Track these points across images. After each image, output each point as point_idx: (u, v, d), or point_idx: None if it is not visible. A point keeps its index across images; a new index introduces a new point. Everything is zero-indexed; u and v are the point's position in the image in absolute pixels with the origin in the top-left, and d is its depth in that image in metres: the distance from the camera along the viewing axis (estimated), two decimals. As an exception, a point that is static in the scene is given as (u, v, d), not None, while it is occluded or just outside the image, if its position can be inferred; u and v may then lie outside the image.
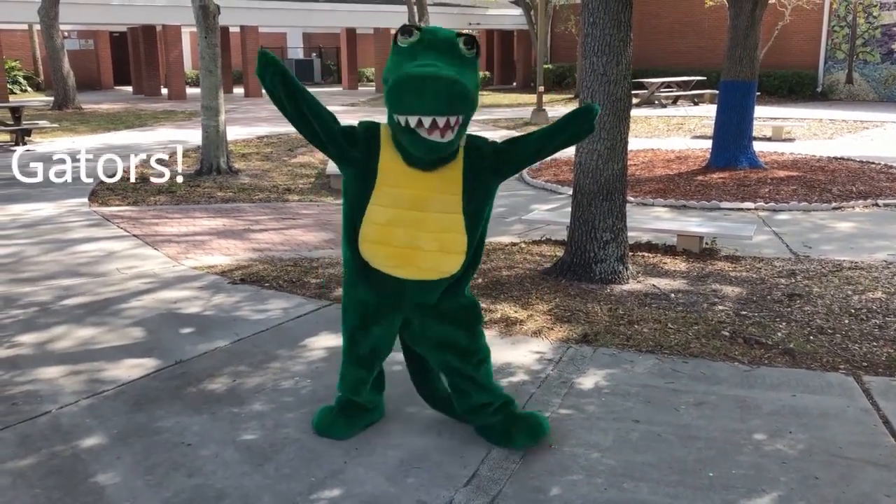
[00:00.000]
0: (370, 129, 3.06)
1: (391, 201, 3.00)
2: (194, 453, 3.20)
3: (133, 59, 28.97)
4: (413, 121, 2.73)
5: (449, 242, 3.03)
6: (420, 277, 3.06)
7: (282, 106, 3.04)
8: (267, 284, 5.51)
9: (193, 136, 14.15)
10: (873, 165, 10.99)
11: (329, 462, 3.13)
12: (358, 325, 3.21)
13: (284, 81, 2.96)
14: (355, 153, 3.04)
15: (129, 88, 30.90)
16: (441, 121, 2.71)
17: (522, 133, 2.98)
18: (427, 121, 2.71)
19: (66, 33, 27.55)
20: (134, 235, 7.06)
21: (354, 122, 3.10)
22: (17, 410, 3.58)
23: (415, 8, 26.34)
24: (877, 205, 8.43)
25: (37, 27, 27.23)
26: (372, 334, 3.21)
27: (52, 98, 22.01)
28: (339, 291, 5.28)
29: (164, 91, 27.53)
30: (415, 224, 2.99)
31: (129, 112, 20.35)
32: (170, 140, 14.33)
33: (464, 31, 2.88)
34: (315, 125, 3.02)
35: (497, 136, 14.60)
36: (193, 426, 3.43)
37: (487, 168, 3.06)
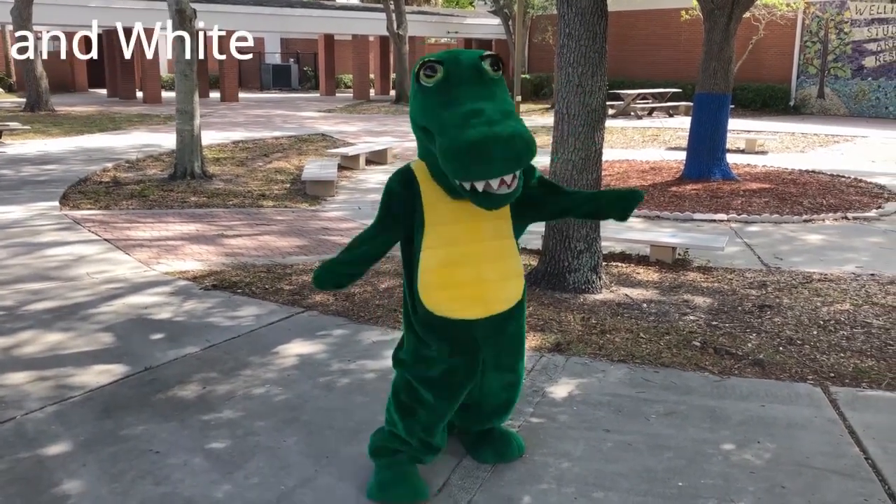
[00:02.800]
0: (404, 176, 2.86)
1: (445, 240, 2.82)
2: (162, 461, 3.16)
3: (108, 62, 28.69)
4: (480, 185, 2.55)
5: (509, 269, 2.92)
6: (490, 314, 2.88)
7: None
8: (239, 291, 5.46)
9: (168, 139, 14.04)
10: (843, 179, 11.17)
11: (299, 471, 3.11)
12: (445, 389, 2.91)
13: (351, 279, 3.02)
14: (400, 212, 2.86)
15: (104, 91, 30.60)
16: (508, 178, 2.56)
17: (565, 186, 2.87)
18: (495, 183, 2.55)
19: (39, 34, 27.20)
20: (105, 239, 6.98)
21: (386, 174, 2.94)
22: (-19, 417, 3.52)
23: (393, 15, 26.39)
24: (846, 218, 8.56)
25: (9, 27, 26.87)
26: (460, 387, 2.94)
27: (24, 100, 21.73)
28: (313, 298, 5.27)
29: (140, 94, 27.29)
30: (474, 258, 2.84)
31: (104, 115, 20.14)
32: (144, 144, 14.20)
33: (487, 53, 2.73)
34: (380, 252, 2.98)
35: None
36: (162, 433, 3.39)
37: (529, 194, 2.90)
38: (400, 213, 2.86)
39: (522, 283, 2.99)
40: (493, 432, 3.24)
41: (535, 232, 6.65)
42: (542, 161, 11.26)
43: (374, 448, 3.06)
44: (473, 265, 2.83)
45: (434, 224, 2.81)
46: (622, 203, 3.05)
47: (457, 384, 2.92)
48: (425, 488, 2.96)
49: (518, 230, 2.98)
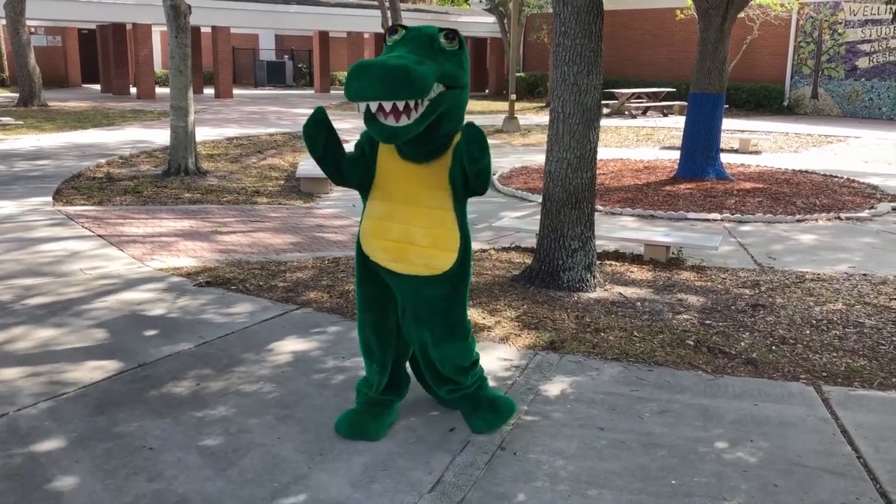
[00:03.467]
0: (369, 135, 3.17)
1: (385, 195, 3.19)
2: (156, 458, 3.16)
3: (102, 57, 28.60)
4: (362, 107, 2.80)
5: (441, 240, 3.14)
6: (413, 273, 3.18)
7: (321, 160, 3.21)
8: (233, 287, 5.46)
9: (161, 136, 14.01)
10: (836, 179, 11.21)
11: (293, 467, 3.11)
12: (364, 319, 3.37)
13: (334, 144, 3.20)
14: (364, 161, 3.24)
15: (98, 87, 30.50)
16: (388, 105, 2.75)
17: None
18: (374, 105, 2.77)
19: (32, 29, 27.12)
20: (98, 235, 6.95)
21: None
22: (-26, 412, 3.51)
23: (388, 12, 26.35)
24: (839, 218, 8.60)
25: (2, 22, 26.76)
26: (374, 326, 3.36)
27: (17, 95, 21.64)
28: (307, 296, 5.27)
29: (133, 90, 27.21)
30: (407, 219, 3.14)
31: (97, 110, 20.07)
32: (137, 140, 14.16)
33: (448, 28, 3.04)
34: (344, 172, 3.25)
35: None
36: (155, 430, 3.38)
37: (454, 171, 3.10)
38: (361, 157, 3.25)
39: (454, 258, 3.18)
40: (478, 399, 3.45)
41: (530, 230, 6.66)
42: (538, 161, 11.18)
43: (356, 387, 3.53)
44: (404, 224, 3.16)
45: (381, 178, 3.21)
46: (466, 148, 2.95)
47: (369, 318, 3.34)
48: (374, 430, 3.33)
49: (458, 209, 3.17)
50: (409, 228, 3.14)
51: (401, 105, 2.77)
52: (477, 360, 3.47)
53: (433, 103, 2.88)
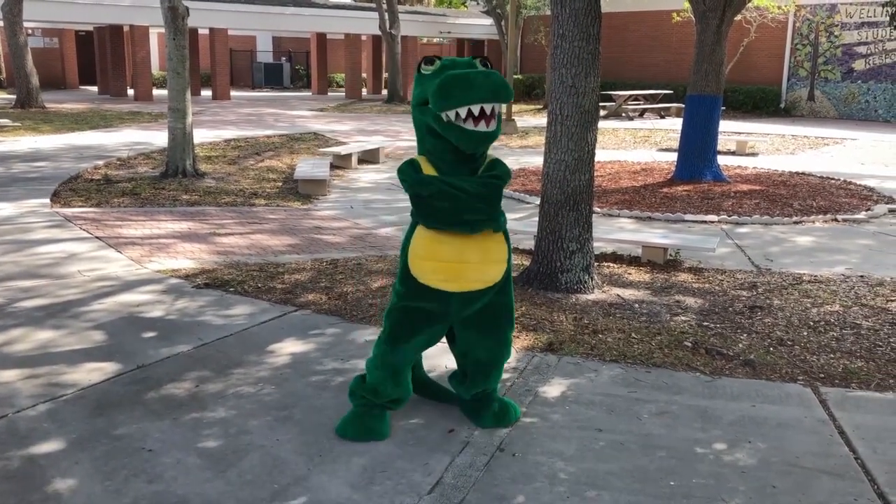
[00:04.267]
0: (412, 164, 3.29)
1: None
2: (155, 459, 3.16)
3: (99, 59, 28.58)
4: (463, 112, 3.01)
5: (491, 253, 3.28)
6: (466, 289, 3.26)
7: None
8: (232, 289, 5.46)
9: (159, 137, 14.00)
10: (833, 181, 11.24)
11: (293, 469, 3.11)
12: (402, 333, 3.35)
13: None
14: None
15: (95, 88, 30.48)
16: (487, 108, 3.02)
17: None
18: (476, 109, 3.00)
19: (30, 31, 27.08)
20: (96, 237, 6.95)
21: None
22: (-27, 414, 3.51)
23: (386, 15, 26.39)
24: (836, 219, 8.62)
25: (0, 24, 26.73)
26: (413, 343, 3.37)
27: (14, 96, 21.62)
28: (306, 297, 5.27)
29: (131, 92, 27.19)
30: (458, 239, 3.22)
31: (94, 112, 20.05)
32: (135, 142, 14.15)
33: (482, 56, 3.30)
34: None
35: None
36: (154, 432, 3.39)
37: None
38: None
39: (505, 266, 3.35)
40: (490, 399, 3.53)
41: (528, 232, 6.67)
42: (536, 163, 11.22)
43: (350, 391, 3.50)
44: (456, 245, 3.22)
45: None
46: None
47: (408, 345, 3.34)
48: (382, 430, 3.37)
49: (502, 218, 3.34)
50: (460, 247, 3.22)
51: (496, 109, 3.06)
52: None
53: (498, 116, 3.15)
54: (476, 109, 3.00)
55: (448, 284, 3.24)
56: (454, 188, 3.15)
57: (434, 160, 3.24)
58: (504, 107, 17.65)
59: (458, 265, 3.23)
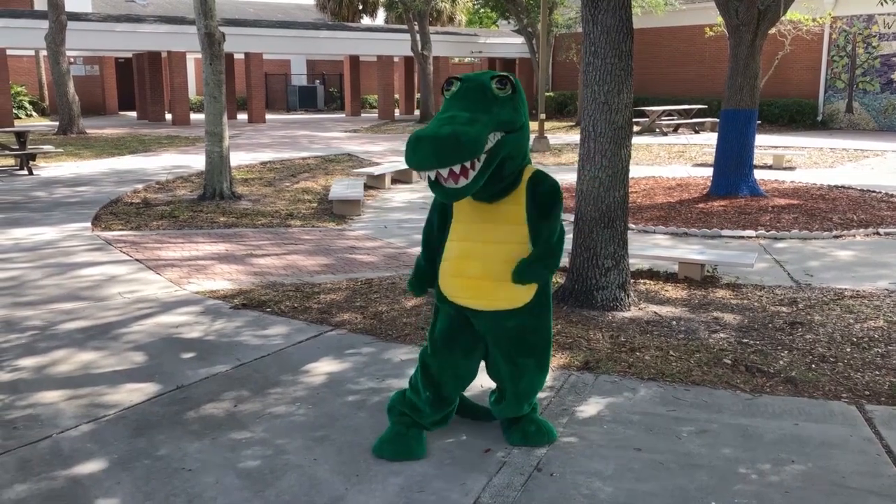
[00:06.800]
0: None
1: (463, 235, 3.28)
2: (195, 479, 3.19)
3: (138, 85, 29.22)
4: (423, 174, 2.97)
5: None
6: (494, 308, 3.24)
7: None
8: (268, 309, 5.51)
9: (197, 161, 14.24)
10: (874, 194, 11.03)
11: (330, 489, 3.12)
12: (442, 361, 3.37)
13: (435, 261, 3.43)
14: (444, 216, 3.41)
15: (134, 114, 31.14)
16: (444, 171, 2.92)
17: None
18: (432, 174, 2.94)
19: (72, 59, 27.80)
20: (136, 260, 7.08)
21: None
22: (18, 435, 3.58)
23: (417, 36, 26.62)
24: (877, 233, 8.45)
25: (43, 53, 27.49)
26: (450, 358, 3.38)
27: (57, 123, 22.17)
28: (341, 317, 5.30)
29: (169, 117, 27.73)
30: (485, 255, 3.21)
31: (134, 137, 20.48)
32: (173, 165, 14.41)
33: (500, 74, 3.15)
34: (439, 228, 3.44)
35: (499, 162, 14.67)
36: (194, 452, 3.42)
37: (535, 202, 3.24)
38: (441, 214, 3.41)
39: (534, 290, 3.29)
40: (525, 418, 3.51)
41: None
42: (569, 180, 11.24)
43: (389, 406, 3.53)
44: (482, 261, 3.21)
45: (458, 221, 3.31)
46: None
47: (447, 352, 3.35)
48: (420, 450, 3.35)
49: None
50: (487, 265, 3.20)
51: (457, 168, 2.91)
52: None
53: (492, 153, 3.01)
54: (432, 174, 2.95)
55: (475, 301, 3.24)
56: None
57: None
58: (539, 126, 17.68)
59: (484, 283, 3.21)
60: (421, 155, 2.87)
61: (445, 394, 3.40)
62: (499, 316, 3.27)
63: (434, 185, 2.99)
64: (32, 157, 13.63)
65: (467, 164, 2.91)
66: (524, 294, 3.26)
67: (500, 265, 3.20)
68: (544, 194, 3.22)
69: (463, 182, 2.95)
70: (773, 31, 13.84)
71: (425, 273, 3.44)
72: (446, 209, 3.35)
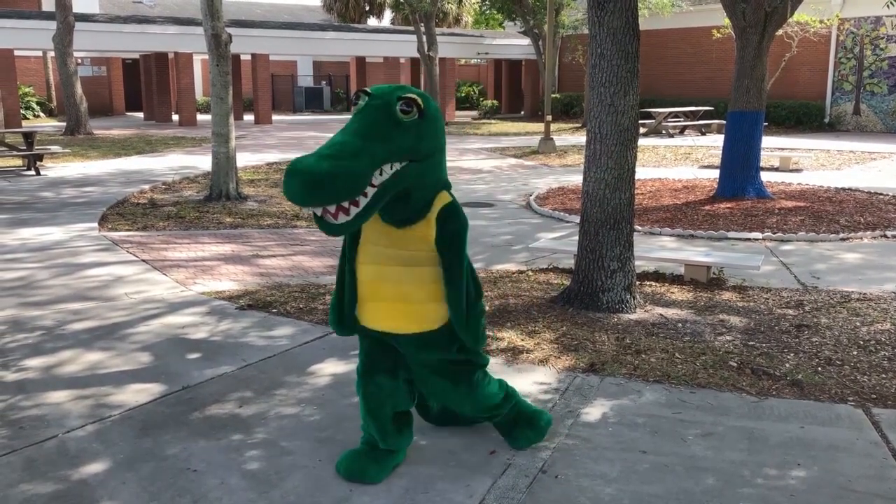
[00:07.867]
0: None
1: (374, 258, 3.06)
2: (200, 479, 3.20)
3: (145, 86, 29.32)
4: (310, 210, 2.70)
5: (435, 292, 3.08)
6: (412, 331, 3.10)
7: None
8: (274, 310, 5.52)
9: (203, 162, 14.28)
10: (881, 196, 10.99)
11: (335, 490, 3.12)
12: (362, 376, 3.29)
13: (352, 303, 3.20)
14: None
15: (141, 114, 31.24)
16: (318, 209, 2.65)
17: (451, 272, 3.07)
18: (319, 211, 2.67)
19: (79, 60, 27.92)
20: (142, 260, 7.10)
21: None
22: (24, 435, 3.59)
23: (424, 38, 26.64)
24: (885, 236, 8.42)
25: (51, 54, 27.60)
26: (374, 384, 3.25)
27: (64, 123, 22.26)
28: (346, 318, 5.30)
29: (175, 117, 27.81)
30: (399, 278, 3.03)
31: (140, 138, 20.54)
32: (180, 166, 14.45)
33: (408, 95, 2.83)
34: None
35: (505, 164, 14.69)
36: (199, 452, 3.43)
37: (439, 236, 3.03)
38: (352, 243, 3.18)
39: (445, 307, 3.10)
40: (518, 417, 3.46)
41: (567, 251, 6.64)
42: (575, 181, 11.15)
43: (362, 429, 3.41)
44: (396, 284, 3.04)
45: (366, 243, 3.08)
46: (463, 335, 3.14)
47: (369, 377, 3.25)
48: (376, 473, 3.19)
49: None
50: (402, 288, 3.03)
51: (332, 207, 2.65)
52: (507, 394, 3.42)
53: (384, 186, 2.75)
54: (319, 211, 2.66)
55: (391, 323, 3.09)
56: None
57: None
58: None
59: (400, 305, 3.05)
60: (290, 191, 2.58)
61: (387, 423, 3.25)
62: (419, 339, 3.11)
63: (317, 217, 2.72)
64: (40, 157, 13.69)
65: (345, 204, 2.65)
66: (442, 314, 3.10)
67: (414, 287, 3.03)
68: (451, 232, 2.99)
69: (343, 219, 2.68)
70: (780, 32, 13.81)
71: (345, 306, 3.20)
72: (357, 232, 3.10)
